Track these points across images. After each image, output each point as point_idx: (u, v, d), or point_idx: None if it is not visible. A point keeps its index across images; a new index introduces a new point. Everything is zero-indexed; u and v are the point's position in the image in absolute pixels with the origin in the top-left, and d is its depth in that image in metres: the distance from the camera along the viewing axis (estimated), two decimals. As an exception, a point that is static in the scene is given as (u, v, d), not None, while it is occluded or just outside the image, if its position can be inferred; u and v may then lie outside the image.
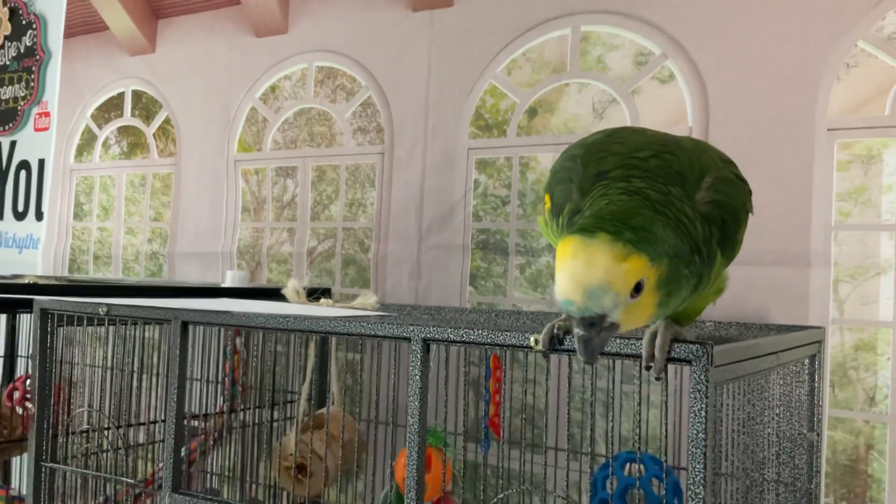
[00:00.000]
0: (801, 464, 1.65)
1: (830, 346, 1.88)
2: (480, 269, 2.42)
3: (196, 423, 2.11)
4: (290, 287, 2.08)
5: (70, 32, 3.22)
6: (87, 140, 3.49)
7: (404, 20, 2.60)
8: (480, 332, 1.22)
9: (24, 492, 2.05)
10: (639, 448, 1.15)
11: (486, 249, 2.41)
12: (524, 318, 1.98)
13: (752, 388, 1.34)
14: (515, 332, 1.20)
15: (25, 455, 2.06)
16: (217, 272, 2.96)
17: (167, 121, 3.20)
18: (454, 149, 2.48)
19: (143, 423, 1.87)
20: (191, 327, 1.56)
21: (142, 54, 3.28)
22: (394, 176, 2.60)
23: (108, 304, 1.63)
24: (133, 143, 3.34)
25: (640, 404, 1.15)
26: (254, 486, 2.13)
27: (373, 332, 1.33)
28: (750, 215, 1.17)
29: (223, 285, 2.49)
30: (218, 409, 2.21)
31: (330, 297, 2.28)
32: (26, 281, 2.27)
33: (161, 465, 1.64)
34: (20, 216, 3.14)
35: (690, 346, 1.04)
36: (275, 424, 2.18)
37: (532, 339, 1.16)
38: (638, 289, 0.95)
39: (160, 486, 1.55)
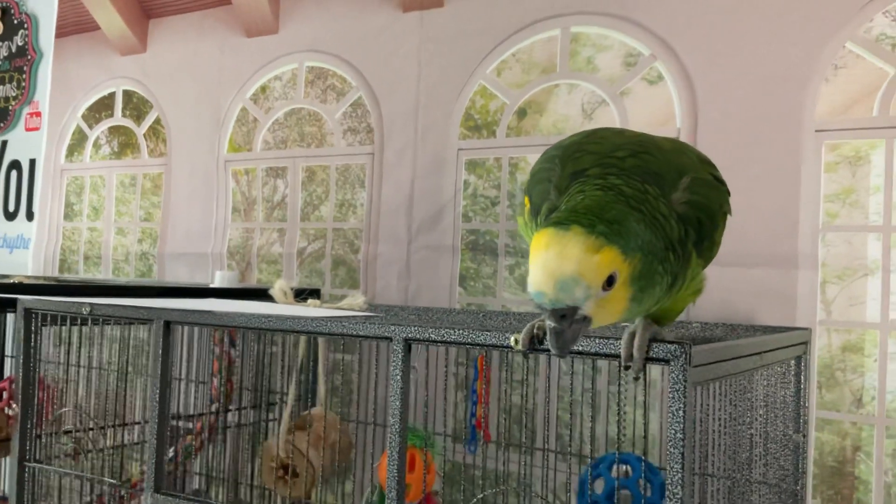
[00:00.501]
0: (787, 465, 1.65)
1: (818, 348, 1.88)
2: (470, 269, 2.41)
3: (182, 424, 2.10)
4: (278, 287, 2.07)
5: (61, 32, 3.21)
6: (78, 140, 3.48)
7: (394, 21, 2.60)
8: (461, 331, 1.22)
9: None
10: (618, 448, 1.15)
11: (475, 250, 2.40)
12: (511, 319, 1.98)
13: (734, 388, 1.34)
14: (496, 332, 1.19)
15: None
16: (207, 273, 2.95)
17: (157, 121, 3.20)
18: (444, 150, 2.47)
19: (128, 424, 1.86)
20: (176, 327, 1.56)
21: (133, 54, 3.27)
22: (384, 177, 2.60)
23: (91, 304, 1.62)
24: (124, 143, 3.33)
25: (619, 404, 1.14)
26: (242, 487, 2.12)
27: (354, 332, 1.32)
28: (728, 216, 1.17)
29: (212, 286, 2.48)
30: (206, 410, 2.20)
31: (318, 298, 2.27)
32: (12, 281, 2.26)
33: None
34: (11, 216, 3.13)
35: (669, 345, 1.03)
36: (263, 425, 2.17)
37: (512, 339, 1.15)
38: (610, 282, 0.95)
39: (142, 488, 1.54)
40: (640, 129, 1.26)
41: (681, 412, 1.02)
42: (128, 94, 3.31)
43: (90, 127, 3.44)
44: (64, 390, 1.78)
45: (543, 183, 1.13)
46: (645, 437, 1.13)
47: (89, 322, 1.63)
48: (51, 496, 1.74)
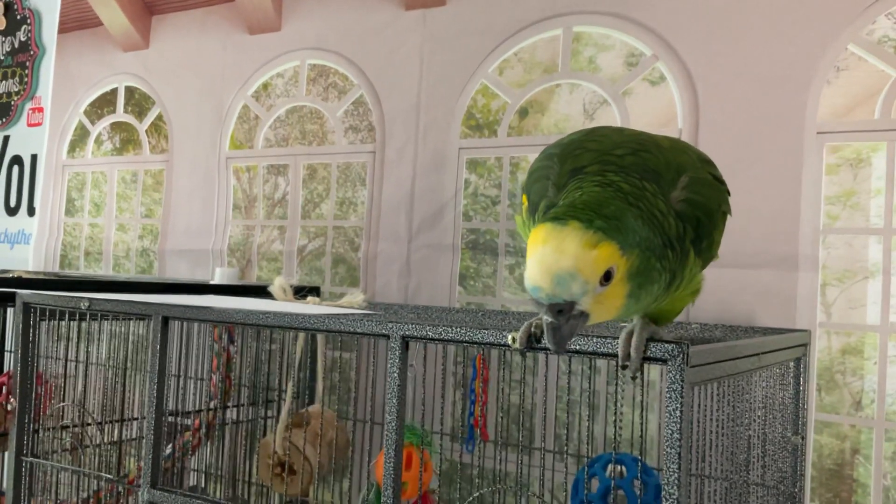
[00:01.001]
0: (785, 467, 1.65)
1: (817, 350, 1.88)
2: (470, 269, 2.41)
3: (180, 420, 2.10)
4: (277, 284, 2.07)
5: (64, 28, 3.22)
6: (80, 136, 3.48)
7: (397, 19, 2.60)
8: (459, 329, 1.22)
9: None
10: (615, 449, 1.14)
11: (475, 249, 2.40)
12: (510, 319, 1.98)
13: (733, 389, 1.33)
14: (493, 330, 1.19)
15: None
16: (207, 270, 2.95)
17: (159, 117, 3.20)
18: (445, 148, 2.47)
19: (126, 420, 1.86)
20: (174, 323, 1.56)
21: (135, 50, 3.27)
22: (384, 175, 2.59)
23: (89, 299, 1.62)
24: (125, 139, 3.33)
25: (616, 404, 1.14)
26: (241, 484, 2.12)
27: (352, 329, 1.32)
28: (728, 217, 1.16)
29: (211, 282, 2.48)
30: (205, 407, 2.20)
31: (318, 296, 2.27)
32: (11, 276, 2.26)
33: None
34: (12, 211, 3.13)
35: (666, 345, 1.03)
36: (261, 422, 2.17)
37: (510, 337, 1.15)
38: (608, 277, 0.95)
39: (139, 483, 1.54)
40: (641, 129, 1.25)
41: (678, 413, 1.02)
42: (130, 91, 3.31)
43: (92, 123, 3.44)
44: (62, 386, 1.78)
45: (542, 181, 1.12)
46: (642, 437, 1.13)
47: (87, 317, 1.63)
48: (48, 491, 1.74)
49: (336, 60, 2.73)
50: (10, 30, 3.22)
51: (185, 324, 1.85)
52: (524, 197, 1.17)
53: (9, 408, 2.16)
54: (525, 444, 2.00)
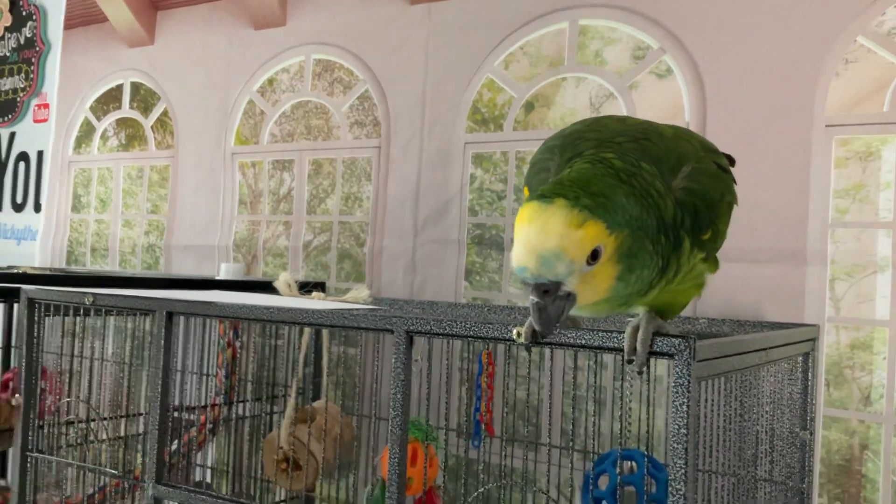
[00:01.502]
0: (793, 463, 1.63)
1: (826, 345, 1.86)
2: (476, 264, 2.40)
3: (188, 416, 2.09)
4: (282, 280, 2.06)
5: (69, 24, 3.21)
6: (86, 132, 3.48)
7: (402, 13, 2.59)
8: (463, 324, 1.21)
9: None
10: (621, 444, 1.13)
11: (481, 244, 2.39)
12: (516, 314, 1.97)
13: (740, 384, 1.32)
14: (498, 325, 1.18)
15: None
16: (213, 265, 2.95)
17: (165, 113, 3.19)
18: (451, 143, 2.46)
19: (127, 416, 1.86)
20: (179, 319, 1.55)
21: (141, 46, 3.27)
22: (390, 170, 2.58)
23: (94, 294, 1.62)
24: (131, 135, 3.33)
25: (622, 399, 1.13)
26: (246, 479, 2.12)
27: (356, 324, 1.31)
28: (735, 206, 1.14)
29: (217, 278, 2.48)
30: (212, 402, 2.20)
31: (323, 291, 2.27)
32: (16, 271, 2.26)
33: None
34: (19, 208, 3.14)
35: (673, 339, 1.02)
36: (267, 418, 2.16)
37: (514, 332, 1.14)
38: (595, 257, 0.93)
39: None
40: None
41: (684, 408, 1.01)
42: (135, 86, 3.31)
43: (98, 119, 3.44)
44: (69, 381, 1.78)
45: (542, 173, 1.11)
46: (649, 432, 1.11)
47: (91, 313, 1.63)
48: (56, 487, 1.74)
49: (341, 55, 2.73)
50: (16, 26, 3.22)
51: (192, 319, 1.85)
52: (525, 189, 1.16)
53: (14, 403, 2.17)
54: (531, 439, 1.99)
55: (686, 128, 1.25)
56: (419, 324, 1.24)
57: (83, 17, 3.41)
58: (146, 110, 3.27)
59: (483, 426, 1.87)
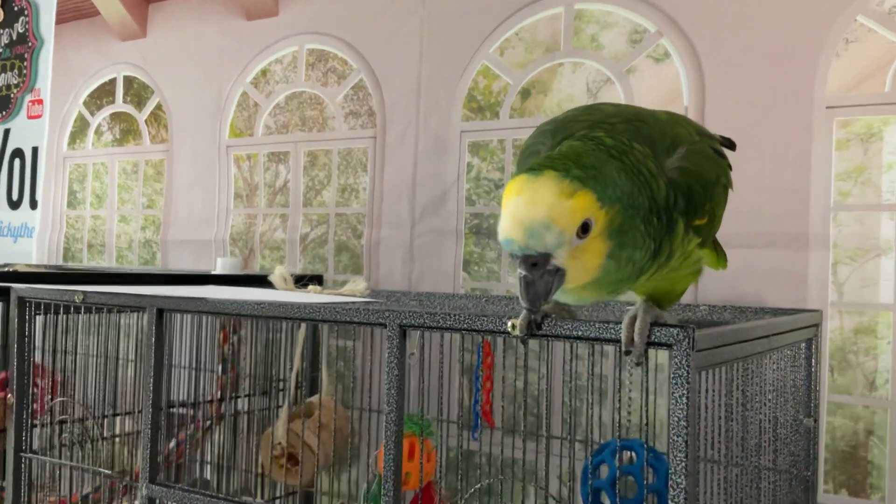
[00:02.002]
0: (798, 450, 1.61)
1: (829, 330, 1.83)
2: (474, 254, 2.37)
3: (184, 412, 2.07)
4: (278, 273, 2.04)
5: (61, 18, 3.18)
6: (80, 127, 3.46)
7: (395, 0, 2.55)
8: (457, 317, 1.18)
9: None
10: (619, 435, 1.11)
11: (479, 234, 2.36)
12: (514, 304, 1.94)
13: (742, 372, 1.29)
14: (493, 317, 1.15)
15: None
16: (210, 260, 2.93)
17: (159, 106, 3.16)
18: (446, 132, 2.43)
19: (120, 414, 1.83)
20: (171, 315, 1.53)
21: (133, 39, 3.24)
22: (386, 160, 2.55)
23: (84, 292, 1.59)
24: (125, 129, 3.30)
25: (621, 390, 1.10)
26: (246, 475, 2.10)
27: (348, 319, 1.29)
28: (730, 190, 1.12)
29: (213, 273, 2.45)
30: (209, 398, 2.18)
31: (321, 284, 2.24)
32: (7, 269, 2.24)
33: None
34: (14, 205, 3.12)
35: (671, 329, 0.99)
36: (265, 413, 2.14)
37: (510, 324, 1.11)
38: (585, 229, 0.90)
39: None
40: (646, 107, 1.21)
41: (684, 398, 0.98)
42: (128, 80, 3.28)
43: (92, 114, 3.41)
44: (65, 380, 1.75)
45: (533, 156, 1.08)
46: (647, 423, 1.09)
47: (82, 310, 1.60)
48: (49, 488, 1.72)
49: (335, 44, 2.69)
50: (8, 21, 3.19)
51: (187, 315, 1.82)
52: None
53: (9, 402, 2.15)
54: (531, 430, 1.97)
55: (678, 113, 1.22)
56: (412, 317, 1.22)
57: (75, 11, 3.38)
58: (140, 104, 3.24)
59: (481, 418, 1.85)
